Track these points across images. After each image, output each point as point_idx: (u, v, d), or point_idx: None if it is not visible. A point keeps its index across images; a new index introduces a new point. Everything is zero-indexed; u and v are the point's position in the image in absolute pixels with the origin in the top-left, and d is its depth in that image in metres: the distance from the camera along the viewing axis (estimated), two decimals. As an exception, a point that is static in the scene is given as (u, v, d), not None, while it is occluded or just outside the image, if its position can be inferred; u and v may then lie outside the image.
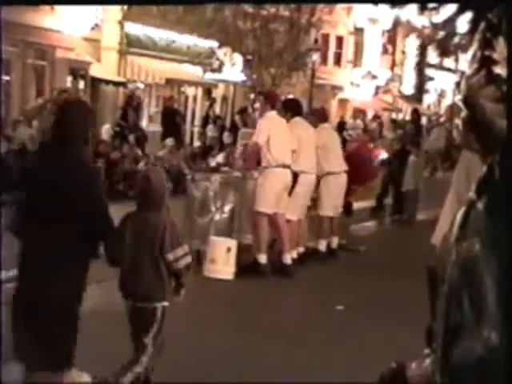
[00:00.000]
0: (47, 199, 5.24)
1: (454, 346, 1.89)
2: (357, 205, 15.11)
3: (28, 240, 5.35)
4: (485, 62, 2.05)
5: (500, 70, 2.02)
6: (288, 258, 10.53)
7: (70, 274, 5.30)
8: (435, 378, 2.01)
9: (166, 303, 5.50)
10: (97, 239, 5.47)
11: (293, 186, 10.57)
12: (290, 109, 11.27)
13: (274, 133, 10.32)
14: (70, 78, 24.50)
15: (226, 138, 24.72)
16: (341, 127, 26.10)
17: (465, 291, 1.90)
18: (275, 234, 10.59)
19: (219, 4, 30.83)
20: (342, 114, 39.08)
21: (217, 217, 10.81)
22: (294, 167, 10.66)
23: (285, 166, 10.41)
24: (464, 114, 2.10)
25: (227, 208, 10.95)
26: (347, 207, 13.55)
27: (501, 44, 2.05)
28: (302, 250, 11.24)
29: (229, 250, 10.15)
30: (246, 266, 10.23)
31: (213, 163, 19.40)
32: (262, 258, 10.34)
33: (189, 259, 5.56)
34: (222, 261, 10.11)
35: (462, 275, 1.93)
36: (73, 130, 5.29)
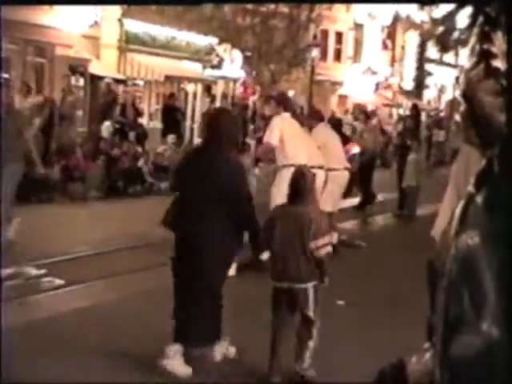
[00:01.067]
0: (203, 197, 6.21)
1: (454, 340, 1.89)
2: (353, 201, 15.15)
3: (184, 232, 6.33)
4: (483, 56, 2.04)
5: (499, 64, 2.02)
6: None
7: (221, 261, 6.35)
8: (435, 372, 2.00)
9: (315, 282, 6.31)
10: (243, 228, 6.40)
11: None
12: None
13: (287, 133, 10.36)
14: (72, 77, 24.42)
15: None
16: (338, 124, 26.10)
17: (464, 285, 1.89)
18: None
19: (218, 3, 30.83)
20: (340, 110, 39.00)
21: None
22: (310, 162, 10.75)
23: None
24: (463, 107, 2.09)
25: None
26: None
27: (499, 38, 2.05)
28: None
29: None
30: (249, 263, 10.23)
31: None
32: (264, 255, 10.35)
33: (329, 248, 6.32)
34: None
35: (461, 269, 1.93)
36: (225, 137, 6.36)
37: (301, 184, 6.34)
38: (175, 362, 6.27)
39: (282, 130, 10.34)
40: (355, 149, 17.03)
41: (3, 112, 9.85)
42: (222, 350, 6.71)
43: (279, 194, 10.41)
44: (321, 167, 10.99)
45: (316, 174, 10.29)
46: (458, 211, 2.02)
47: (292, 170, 10.38)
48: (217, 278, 6.40)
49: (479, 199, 1.95)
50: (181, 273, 6.41)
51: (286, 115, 10.63)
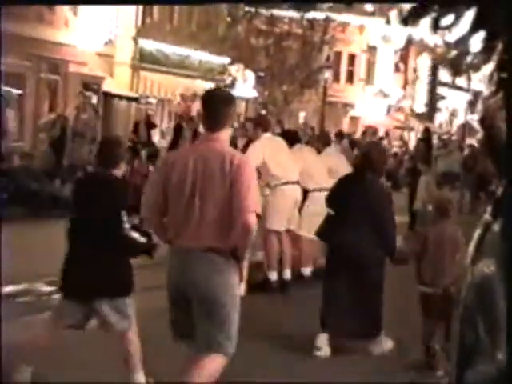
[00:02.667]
0: (355, 213, 7.44)
1: (469, 368, 1.88)
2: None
3: (339, 241, 7.50)
4: (502, 84, 2.05)
5: (517, 93, 2.02)
6: (288, 273, 10.57)
7: (375, 266, 7.53)
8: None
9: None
10: (383, 244, 7.49)
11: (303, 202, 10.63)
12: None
13: (269, 153, 10.31)
14: (87, 93, 24.53)
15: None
16: (352, 144, 26.08)
17: (479, 313, 1.88)
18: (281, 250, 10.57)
19: (218, 4, 30.88)
20: (351, 132, 39.01)
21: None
22: (311, 185, 10.78)
23: (293, 183, 10.45)
24: (480, 135, 2.10)
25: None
26: None
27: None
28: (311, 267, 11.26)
29: (240, 267, 10.13)
30: (258, 284, 10.23)
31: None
32: (273, 275, 10.36)
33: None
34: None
35: (476, 297, 1.92)
36: (378, 166, 7.69)
37: (449, 207, 7.34)
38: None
39: (264, 153, 10.30)
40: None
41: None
42: (380, 344, 7.53)
43: (277, 215, 10.42)
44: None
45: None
46: (475, 238, 2.02)
47: (286, 187, 10.48)
48: (371, 275, 7.50)
49: (496, 227, 1.95)
50: (336, 271, 7.57)
51: (267, 135, 10.63)
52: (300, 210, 10.66)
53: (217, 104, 5.26)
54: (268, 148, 10.35)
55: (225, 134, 5.30)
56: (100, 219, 5.84)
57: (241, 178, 5.07)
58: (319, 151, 11.77)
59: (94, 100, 25.53)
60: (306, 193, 10.77)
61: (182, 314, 5.27)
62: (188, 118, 24.06)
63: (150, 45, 28.39)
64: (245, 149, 10.75)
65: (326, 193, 10.45)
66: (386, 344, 7.54)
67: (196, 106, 30.98)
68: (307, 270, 10.96)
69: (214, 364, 5.23)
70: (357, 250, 7.45)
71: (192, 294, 5.17)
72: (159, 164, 5.87)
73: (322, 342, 7.53)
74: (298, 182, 10.47)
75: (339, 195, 7.90)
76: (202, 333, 5.18)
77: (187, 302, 5.19)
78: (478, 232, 2.02)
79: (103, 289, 5.90)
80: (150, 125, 23.50)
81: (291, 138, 11.43)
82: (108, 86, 26.17)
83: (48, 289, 9.39)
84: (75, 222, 6.00)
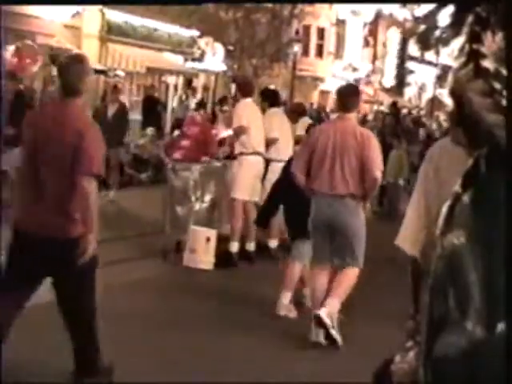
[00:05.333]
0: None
1: (438, 340, 1.89)
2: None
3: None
4: (473, 56, 2.05)
5: (488, 64, 2.02)
6: (252, 245, 10.61)
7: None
8: (419, 371, 2.01)
9: None
10: None
11: (265, 175, 10.70)
12: (268, 99, 11.35)
13: (249, 119, 10.42)
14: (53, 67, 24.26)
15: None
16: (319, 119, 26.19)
17: (449, 284, 1.89)
18: (243, 223, 10.60)
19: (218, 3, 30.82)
20: (323, 105, 39.01)
21: (197, 206, 10.80)
22: (275, 156, 10.79)
23: (258, 154, 10.51)
24: (451, 107, 2.10)
25: (207, 198, 10.95)
26: None
27: (489, 38, 2.05)
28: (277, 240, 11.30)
29: (208, 239, 10.15)
30: (220, 255, 10.27)
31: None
32: (233, 247, 10.40)
33: None
34: (202, 251, 10.11)
35: (446, 268, 1.93)
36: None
37: None
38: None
39: (246, 118, 10.41)
40: (224, 132, 16.19)
41: None
42: None
43: (242, 183, 10.47)
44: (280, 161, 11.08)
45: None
46: (444, 211, 2.02)
47: (252, 158, 10.53)
48: None
49: (466, 199, 1.95)
50: None
51: (248, 101, 10.71)
52: (262, 181, 10.70)
53: (349, 95, 7.61)
54: (248, 114, 10.46)
55: (353, 115, 7.61)
56: None
57: (370, 145, 7.27)
58: (294, 122, 11.79)
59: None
60: (267, 163, 10.81)
61: (322, 241, 7.35)
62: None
63: (118, 17, 28.14)
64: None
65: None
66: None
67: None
68: (273, 243, 11.00)
69: (352, 273, 7.34)
70: None
71: (335, 227, 7.25)
72: (307, 136, 8.10)
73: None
74: (262, 154, 10.56)
75: None
76: (345, 253, 7.30)
77: (330, 232, 7.28)
78: (447, 204, 2.02)
79: None
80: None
81: (271, 99, 11.42)
82: (76, 58, 25.95)
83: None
84: None
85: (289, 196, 8.11)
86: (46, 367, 5.92)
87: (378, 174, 7.25)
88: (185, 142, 13.63)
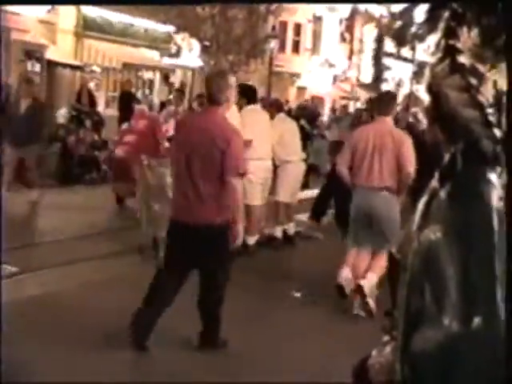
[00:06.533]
0: None
1: (415, 335, 1.90)
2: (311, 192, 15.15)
3: None
4: (449, 51, 2.05)
5: (464, 60, 2.03)
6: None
7: None
8: (395, 366, 2.01)
9: None
10: None
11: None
12: (246, 95, 11.28)
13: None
14: (28, 62, 24.17)
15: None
16: (297, 115, 26.18)
17: (426, 279, 1.90)
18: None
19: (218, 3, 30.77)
20: (298, 102, 39.04)
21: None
22: (251, 155, 10.75)
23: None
24: (428, 102, 2.11)
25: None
26: None
27: (465, 33, 2.06)
28: (256, 237, 11.31)
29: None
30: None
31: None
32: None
33: None
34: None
35: (423, 263, 1.94)
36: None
37: None
38: None
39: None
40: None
41: None
42: None
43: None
44: (267, 158, 11.15)
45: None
46: (420, 206, 2.03)
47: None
48: None
49: (443, 194, 1.96)
50: None
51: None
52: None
53: (387, 101, 8.84)
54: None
55: (389, 119, 8.65)
56: None
57: (404, 145, 8.32)
58: (272, 117, 11.77)
59: (37, 68, 25.17)
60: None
61: (361, 228, 8.48)
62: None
63: (93, 12, 28.02)
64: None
65: (263, 162, 10.67)
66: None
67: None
68: (252, 239, 11.00)
69: (384, 258, 8.17)
70: None
71: (372, 216, 8.33)
72: (349, 138, 9.10)
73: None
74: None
75: None
76: (380, 239, 8.29)
77: (367, 221, 8.39)
78: (424, 199, 2.03)
79: None
80: (92, 95, 23.21)
81: (248, 95, 11.37)
82: (51, 54, 25.80)
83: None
84: None
85: (338, 189, 9.74)
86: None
87: (411, 169, 8.20)
88: (129, 137, 13.52)
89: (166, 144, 13.90)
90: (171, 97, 31.23)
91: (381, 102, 8.99)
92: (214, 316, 6.80)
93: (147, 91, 31.10)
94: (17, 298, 7.67)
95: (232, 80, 6.62)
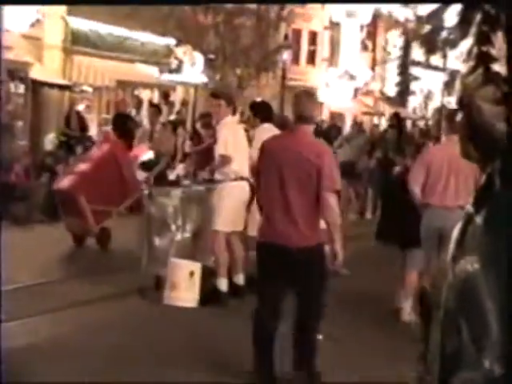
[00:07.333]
0: None
1: (453, 379, 1.89)
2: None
3: None
4: (482, 59, 2.05)
5: (499, 68, 2.02)
6: (240, 278, 10.61)
7: None
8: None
9: None
10: None
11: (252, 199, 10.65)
12: (259, 113, 11.32)
13: (233, 142, 10.41)
14: (11, 83, 24.26)
15: (187, 146, 24.67)
16: (317, 135, 26.19)
17: (463, 316, 1.89)
18: (229, 255, 10.57)
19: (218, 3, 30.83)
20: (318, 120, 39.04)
21: (178, 237, 10.77)
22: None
23: (242, 179, 10.48)
24: (459, 118, 2.10)
25: (189, 226, 10.92)
26: (100, 235, 13.46)
27: (499, 39, 2.05)
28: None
29: (192, 273, 10.12)
30: (208, 293, 10.22)
31: (172, 176, 19.32)
32: (222, 284, 10.35)
33: None
34: (185, 286, 10.07)
35: (459, 298, 1.92)
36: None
37: None
38: None
39: (229, 141, 10.43)
40: (147, 154, 15.82)
41: None
42: None
43: (223, 214, 10.45)
44: None
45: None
46: (455, 233, 2.03)
47: (235, 185, 10.53)
48: None
49: (479, 220, 1.95)
50: None
51: (233, 119, 10.77)
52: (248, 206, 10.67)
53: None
54: (232, 136, 10.46)
55: (456, 138, 8.25)
56: None
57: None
58: None
59: (21, 89, 25.27)
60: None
61: (432, 248, 9.21)
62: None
63: (82, 25, 28.13)
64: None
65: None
66: None
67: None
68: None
69: None
70: None
71: (445, 236, 7.61)
72: (421, 158, 10.10)
73: None
74: (248, 179, 10.49)
75: None
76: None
77: (439, 241, 8.96)
78: (459, 225, 2.02)
79: None
80: (82, 118, 23.27)
81: (262, 113, 11.37)
82: (37, 72, 25.91)
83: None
84: None
85: (402, 209, 10.13)
86: None
87: None
88: (82, 166, 13.27)
89: (139, 172, 13.72)
90: (172, 117, 31.43)
91: (452, 120, 9.66)
92: (308, 343, 7.15)
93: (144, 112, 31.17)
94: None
95: (318, 99, 7.45)
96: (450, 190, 9.45)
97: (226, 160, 10.43)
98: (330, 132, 23.46)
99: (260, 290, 7.37)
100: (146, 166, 15.11)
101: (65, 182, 13.30)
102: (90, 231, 13.22)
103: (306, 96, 7.44)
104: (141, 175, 14.56)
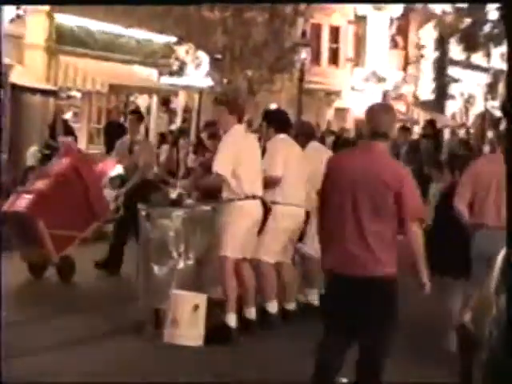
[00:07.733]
0: None
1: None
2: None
3: None
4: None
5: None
6: (252, 312, 10.60)
7: None
8: None
9: None
10: None
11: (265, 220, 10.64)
12: (274, 123, 11.33)
13: (241, 156, 10.35)
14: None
15: (190, 160, 24.72)
16: (340, 145, 25.98)
17: (510, 355, 1.89)
18: (239, 285, 10.55)
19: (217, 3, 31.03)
20: (337, 127, 39.06)
21: (180, 265, 10.77)
22: (278, 198, 10.80)
23: (254, 197, 10.46)
24: (503, 124, 2.11)
25: (193, 253, 10.92)
26: (62, 265, 13.33)
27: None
28: (292, 305, 11.26)
29: (196, 307, 10.11)
30: (215, 329, 10.21)
31: (173, 194, 19.29)
32: (230, 319, 10.33)
33: None
34: (188, 322, 10.06)
35: (505, 334, 1.93)
36: None
37: None
38: None
39: (236, 155, 10.38)
40: (115, 169, 15.51)
41: None
42: None
43: (237, 237, 10.45)
44: (299, 204, 11.11)
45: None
46: (498, 263, 2.03)
47: (246, 205, 10.50)
48: None
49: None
50: None
51: (240, 128, 10.74)
52: (260, 229, 10.66)
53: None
54: (241, 149, 10.43)
55: (501, 155, 9.46)
56: None
57: None
58: (303, 146, 11.79)
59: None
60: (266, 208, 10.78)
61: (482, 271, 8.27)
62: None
63: (70, 21, 28.19)
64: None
65: (293, 209, 10.69)
66: None
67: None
68: (273, 306, 10.95)
69: None
70: None
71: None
72: (468, 172, 9.98)
73: None
74: (260, 198, 10.50)
75: None
76: None
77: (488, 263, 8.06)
78: (501, 254, 2.03)
79: None
80: (69, 127, 23.34)
81: (277, 123, 11.41)
82: (17, 76, 26.01)
83: None
84: None
85: (446, 232, 10.25)
86: None
87: None
88: (40, 183, 13.07)
89: (107, 191, 13.58)
90: (173, 127, 31.50)
91: (497, 128, 9.99)
92: None
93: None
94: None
95: (396, 115, 7.83)
96: (502, 206, 9.18)
97: (218, 181, 10.38)
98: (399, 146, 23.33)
99: (327, 324, 7.39)
100: (115, 182, 14.93)
101: (19, 203, 13.14)
102: (50, 260, 13.07)
103: (384, 110, 7.58)
104: (109, 194, 14.44)
